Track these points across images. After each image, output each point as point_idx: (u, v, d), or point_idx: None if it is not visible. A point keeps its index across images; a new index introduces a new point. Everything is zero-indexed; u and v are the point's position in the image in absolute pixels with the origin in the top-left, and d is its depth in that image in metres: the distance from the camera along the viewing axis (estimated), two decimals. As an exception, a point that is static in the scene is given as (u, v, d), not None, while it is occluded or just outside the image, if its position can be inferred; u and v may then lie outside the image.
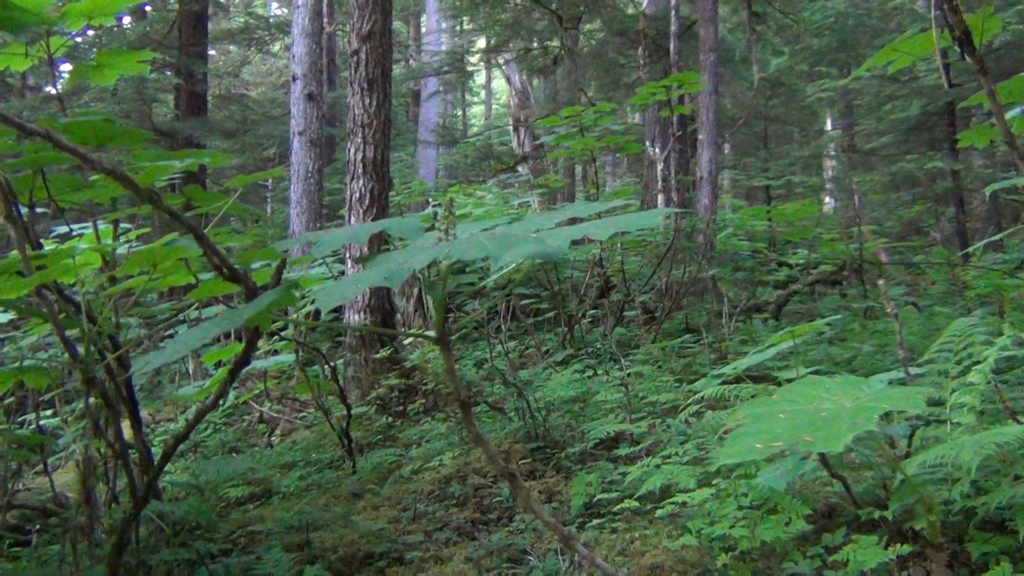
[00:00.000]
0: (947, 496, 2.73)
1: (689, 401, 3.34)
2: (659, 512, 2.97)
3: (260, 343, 7.35)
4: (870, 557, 2.38)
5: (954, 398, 2.97)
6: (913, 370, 3.28)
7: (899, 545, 2.43)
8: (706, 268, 9.51)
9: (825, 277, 10.15)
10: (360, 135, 6.72)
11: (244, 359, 2.31)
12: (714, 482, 3.23)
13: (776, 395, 1.15)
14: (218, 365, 7.50)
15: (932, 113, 12.43)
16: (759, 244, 11.65)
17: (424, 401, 6.28)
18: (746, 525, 2.71)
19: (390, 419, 6.15)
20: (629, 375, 5.46)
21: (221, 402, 7.91)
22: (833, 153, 17.78)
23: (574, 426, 4.14)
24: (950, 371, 3.10)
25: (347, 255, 6.85)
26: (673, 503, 2.94)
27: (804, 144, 18.17)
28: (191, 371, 9.09)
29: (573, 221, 1.78)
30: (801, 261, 10.99)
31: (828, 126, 18.55)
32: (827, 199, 17.88)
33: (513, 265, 1.79)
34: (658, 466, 3.29)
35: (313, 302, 6.57)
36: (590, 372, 5.43)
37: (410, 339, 7.55)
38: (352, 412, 5.75)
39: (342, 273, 7.39)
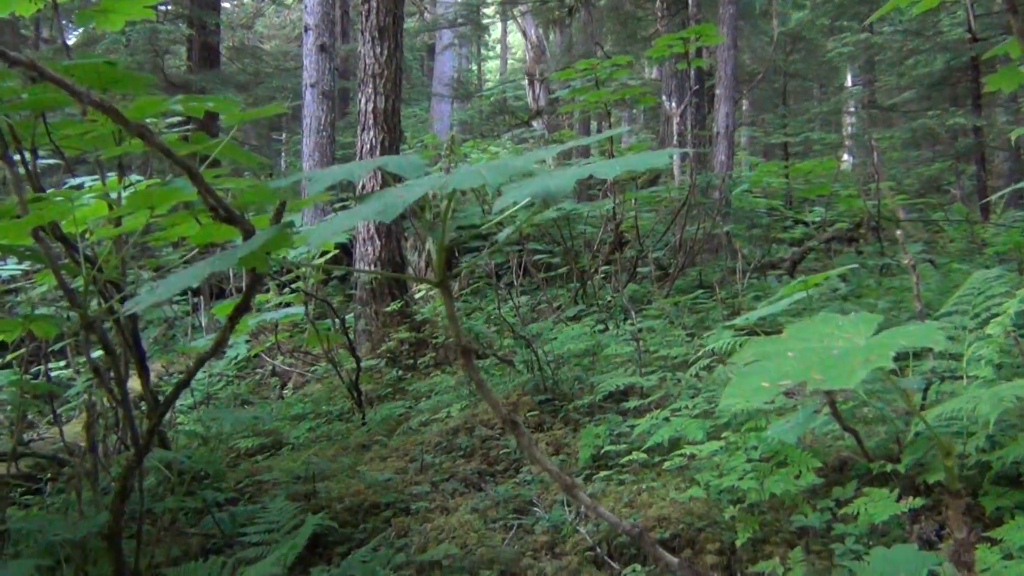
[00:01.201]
0: (962, 450, 2.67)
1: (700, 354, 3.28)
2: (667, 464, 2.93)
3: (271, 296, 7.33)
4: (881, 510, 2.33)
5: (971, 351, 2.89)
6: (930, 323, 3.21)
7: (912, 498, 2.38)
8: (721, 224, 9.41)
9: (841, 234, 10.02)
10: (371, 85, 6.62)
11: (244, 305, 2.26)
12: (723, 435, 3.18)
13: (785, 333, 1.09)
14: (229, 317, 7.47)
15: (955, 68, 12.16)
16: (775, 201, 11.51)
17: (434, 354, 6.25)
18: (755, 477, 2.66)
19: (400, 372, 6.13)
20: (640, 330, 5.40)
21: (235, 355, 7.92)
22: (853, 109, 17.48)
23: (583, 379, 4.10)
24: (968, 324, 3.02)
25: (358, 207, 6.79)
26: (681, 455, 2.90)
27: (823, 100, 17.87)
28: (203, 324, 9.12)
29: (577, 155, 1.71)
30: (817, 219, 10.86)
31: (848, 82, 18.23)
32: (845, 156, 17.62)
33: (521, 209, 1.72)
34: (667, 419, 3.24)
35: (323, 254, 6.52)
36: (601, 327, 5.38)
37: (421, 293, 7.51)
38: (362, 365, 5.73)
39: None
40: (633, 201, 8.79)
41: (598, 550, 2.70)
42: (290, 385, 8.14)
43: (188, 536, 3.23)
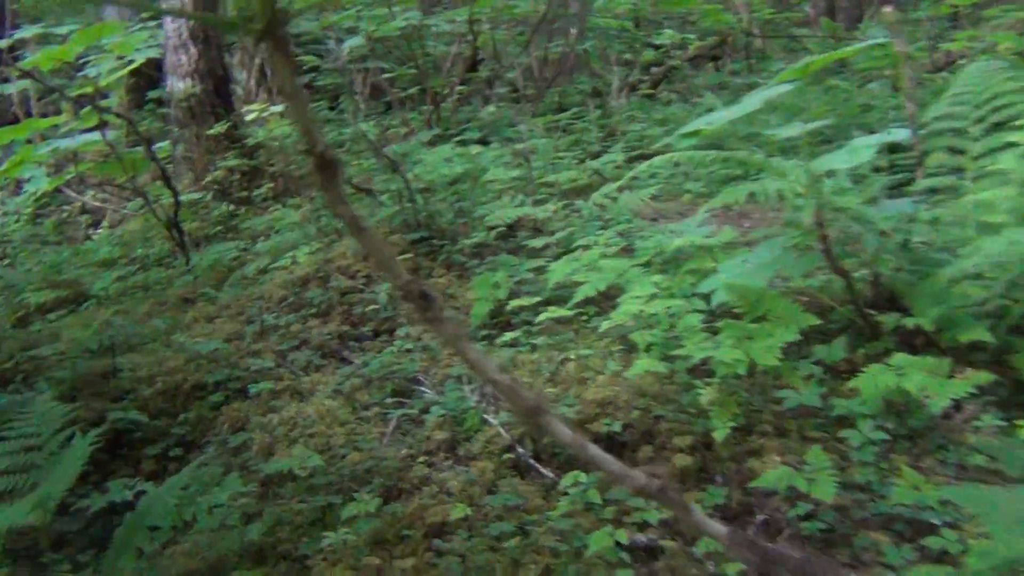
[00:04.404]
0: (985, 295, 1.97)
1: (631, 173, 2.39)
2: (604, 324, 2.09)
3: (63, 118, 5.87)
4: (937, 391, 1.58)
5: (986, 164, 2.18)
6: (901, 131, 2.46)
7: (968, 370, 1.66)
8: (578, 43, 8.44)
9: (705, 52, 9.29)
10: None
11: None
12: (654, 279, 2.38)
13: None
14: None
15: None
16: (625, 22, 10.65)
17: (272, 185, 5.12)
18: (731, 342, 1.87)
19: (231, 207, 4.99)
20: (522, 152, 4.49)
21: (35, 189, 6.46)
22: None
23: (464, 211, 3.16)
24: (973, 132, 2.29)
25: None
26: (623, 313, 2.05)
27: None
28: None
29: None
30: (667, 41, 10.06)
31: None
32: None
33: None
34: (590, 264, 2.38)
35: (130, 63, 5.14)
36: (475, 148, 4.41)
37: (253, 114, 6.22)
38: (181, 199, 4.56)
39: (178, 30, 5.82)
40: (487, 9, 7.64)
41: (519, 450, 1.87)
42: (105, 223, 6.78)
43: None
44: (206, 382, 2.44)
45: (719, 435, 1.74)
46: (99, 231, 6.63)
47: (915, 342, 2.05)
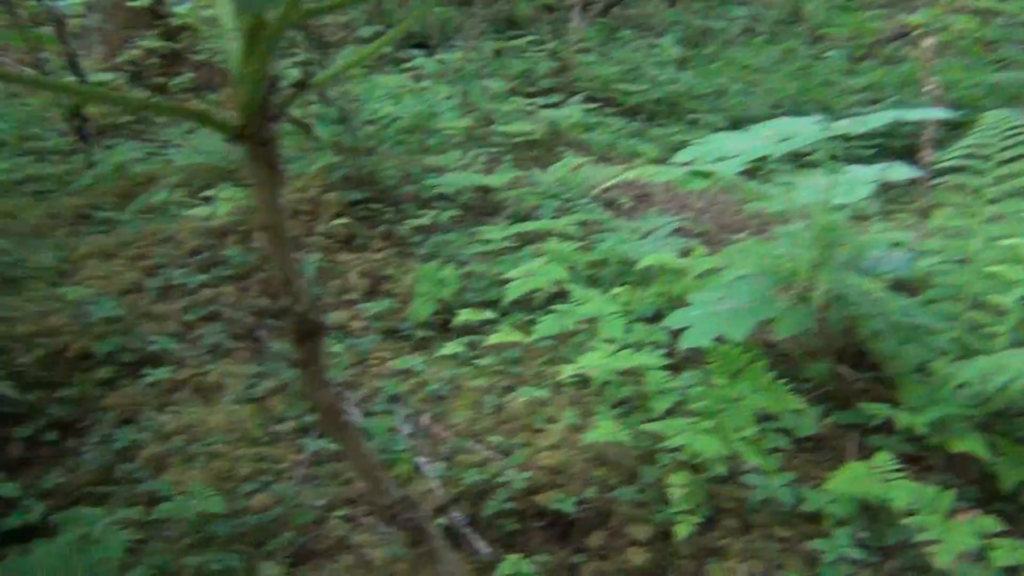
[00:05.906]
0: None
1: (636, 171, 2.05)
2: (567, 368, 1.80)
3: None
4: (939, 531, 1.38)
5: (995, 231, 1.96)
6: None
7: (974, 512, 1.46)
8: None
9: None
10: None
11: None
12: (615, 291, 2.12)
13: None
14: None
15: None
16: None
17: (194, 75, 4.55)
18: (707, 422, 1.62)
19: (146, 94, 4.42)
20: (464, 79, 4.08)
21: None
22: None
23: (412, 175, 2.76)
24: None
25: None
26: (588, 363, 1.77)
27: None
28: None
29: None
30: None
31: None
32: None
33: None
34: (554, 282, 2.07)
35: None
36: (426, 83, 3.97)
37: (180, -17, 5.50)
38: (89, 78, 3.99)
39: None
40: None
41: (455, 514, 1.60)
42: None
43: None
44: (94, 352, 2.07)
45: (681, 531, 1.52)
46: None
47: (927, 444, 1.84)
